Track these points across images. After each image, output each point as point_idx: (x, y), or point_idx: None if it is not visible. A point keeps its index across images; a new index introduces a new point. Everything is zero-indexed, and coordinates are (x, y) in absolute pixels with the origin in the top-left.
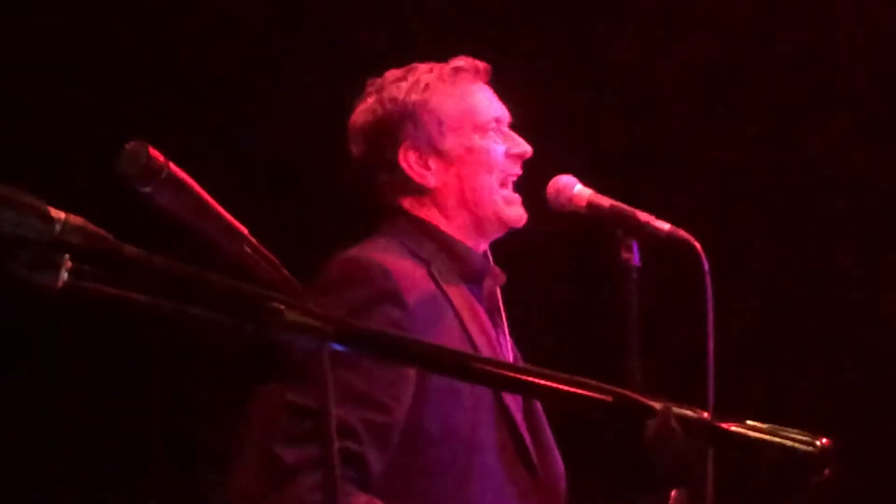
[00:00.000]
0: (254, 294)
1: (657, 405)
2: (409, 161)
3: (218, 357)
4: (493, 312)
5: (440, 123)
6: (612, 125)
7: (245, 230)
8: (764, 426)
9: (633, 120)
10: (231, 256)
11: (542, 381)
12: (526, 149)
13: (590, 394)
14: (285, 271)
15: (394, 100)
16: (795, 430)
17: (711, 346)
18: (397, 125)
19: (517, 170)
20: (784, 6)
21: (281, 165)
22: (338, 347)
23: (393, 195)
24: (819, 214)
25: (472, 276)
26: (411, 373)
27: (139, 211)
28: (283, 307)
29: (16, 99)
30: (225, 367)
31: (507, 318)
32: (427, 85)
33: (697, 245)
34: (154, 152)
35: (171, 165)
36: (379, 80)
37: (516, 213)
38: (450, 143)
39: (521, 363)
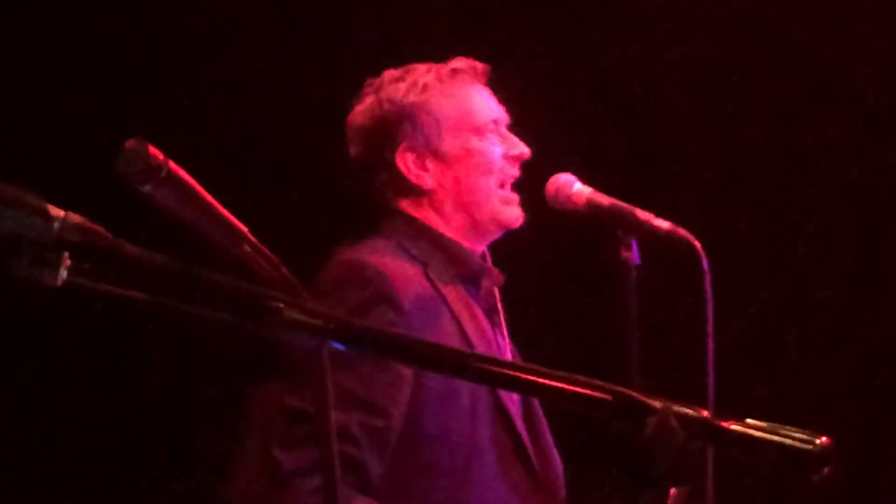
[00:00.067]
0: (253, 292)
1: (657, 404)
2: (406, 162)
3: (218, 357)
4: (491, 313)
5: (438, 125)
6: (612, 125)
7: (245, 229)
8: (764, 425)
9: (633, 120)
10: (231, 255)
11: (541, 380)
12: (524, 151)
13: (589, 392)
14: (285, 270)
15: (392, 100)
16: (795, 429)
17: (711, 344)
18: (395, 126)
19: (515, 172)
20: (784, 6)
21: (280, 165)
22: (337, 346)
23: (390, 196)
24: (819, 214)
25: (469, 277)
26: (408, 375)
27: (139, 210)
28: (282, 306)
29: (16, 99)
30: (225, 367)
31: (506, 318)
32: (425, 86)
33: (697, 243)
34: (154, 150)
35: (171, 164)
36: (377, 81)
37: (513, 214)
38: (447, 144)
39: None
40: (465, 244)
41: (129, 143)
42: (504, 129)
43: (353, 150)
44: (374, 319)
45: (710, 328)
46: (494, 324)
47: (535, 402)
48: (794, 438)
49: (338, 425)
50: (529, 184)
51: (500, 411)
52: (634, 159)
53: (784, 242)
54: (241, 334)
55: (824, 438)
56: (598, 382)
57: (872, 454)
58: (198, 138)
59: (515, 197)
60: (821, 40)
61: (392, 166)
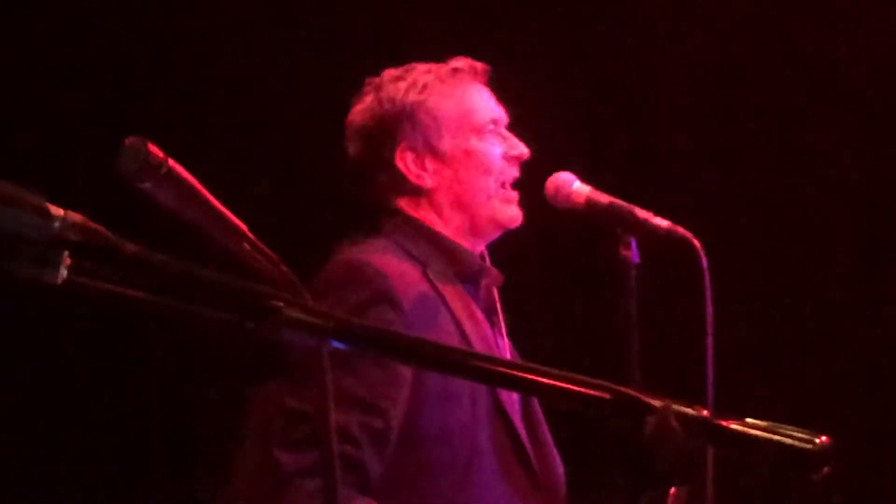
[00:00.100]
0: (253, 291)
1: (656, 403)
2: (405, 161)
3: (218, 357)
4: (490, 313)
5: (438, 124)
6: (612, 125)
7: (244, 227)
8: (763, 424)
9: (633, 120)
10: (230, 253)
11: (540, 379)
12: (523, 151)
13: (588, 391)
14: (285, 268)
15: (391, 100)
16: (795, 428)
17: (711, 343)
18: (394, 125)
19: (514, 172)
20: (784, 6)
21: (280, 164)
22: (338, 345)
23: (390, 195)
24: (819, 214)
25: (468, 277)
26: (408, 374)
27: (139, 208)
28: (282, 304)
29: (16, 99)
30: (225, 367)
31: (505, 318)
32: (425, 85)
33: (696, 242)
34: (154, 148)
35: (171, 161)
36: (377, 80)
37: (512, 214)
38: (447, 144)
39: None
40: (464, 244)
41: (129, 141)
42: (504, 129)
43: (353, 150)
44: (374, 319)
45: (709, 327)
46: (493, 323)
47: (535, 402)
48: (793, 438)
49: (337, 425)
50: (529, 183)
51: (500, 411)
52: (634, 159)
53: (784, 242)
54: (241, 334)
55: (824, 438)
56: (598, 381)
57: (872, 454)
58: (198, 137)
59: (515, 195)
60: (821, 40)
61: (391, 166)
